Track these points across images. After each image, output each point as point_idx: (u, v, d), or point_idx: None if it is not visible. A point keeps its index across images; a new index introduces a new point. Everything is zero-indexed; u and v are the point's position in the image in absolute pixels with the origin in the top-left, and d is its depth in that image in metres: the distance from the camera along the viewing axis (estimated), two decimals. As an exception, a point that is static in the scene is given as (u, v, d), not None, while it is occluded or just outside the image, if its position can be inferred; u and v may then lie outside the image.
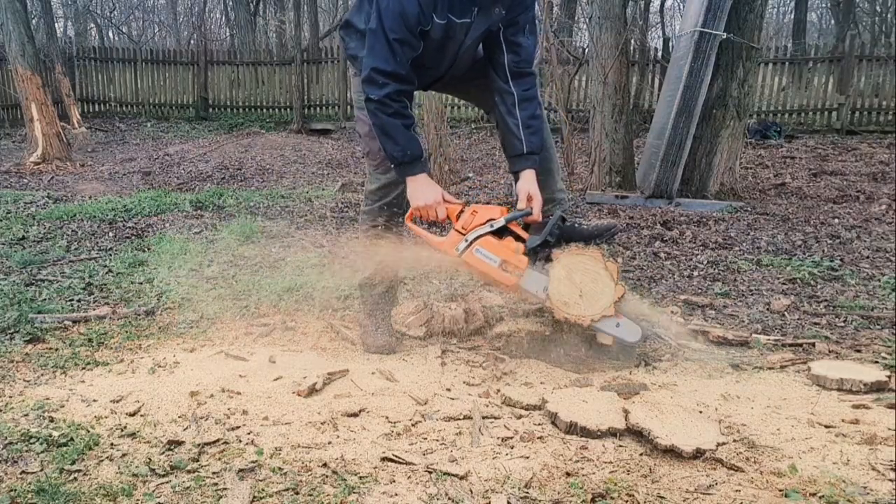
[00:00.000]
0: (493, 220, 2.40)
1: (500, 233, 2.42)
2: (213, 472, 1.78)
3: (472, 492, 1.70)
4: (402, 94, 2.31)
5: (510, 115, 2.45)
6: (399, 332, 2.81)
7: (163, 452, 1.88)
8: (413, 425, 2.06)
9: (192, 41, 17.69)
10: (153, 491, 1.70)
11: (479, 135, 10.12)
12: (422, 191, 2.40)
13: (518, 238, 2.43)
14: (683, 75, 5.41)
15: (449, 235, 2.45)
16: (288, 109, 12.75)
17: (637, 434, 1.95)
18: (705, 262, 4.00)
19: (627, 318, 2.44)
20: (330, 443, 1.95)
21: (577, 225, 2.59)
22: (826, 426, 2.04)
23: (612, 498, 1.67)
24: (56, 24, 17.61)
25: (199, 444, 1.92)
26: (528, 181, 2.46)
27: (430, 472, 1.78)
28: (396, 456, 1.85)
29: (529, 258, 2.42)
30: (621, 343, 2.45)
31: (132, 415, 2.10)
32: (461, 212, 2.45)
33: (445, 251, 2.46)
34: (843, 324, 3.01)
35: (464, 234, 2.41)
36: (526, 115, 2.44)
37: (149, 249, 4.24)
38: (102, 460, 1.84)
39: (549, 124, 2.73)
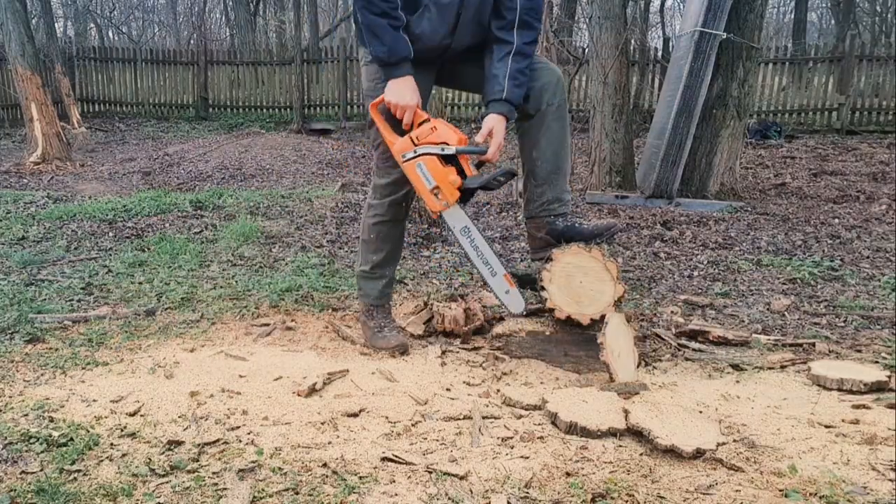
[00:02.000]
0: (447, 144, 2.39)
1: (448, 159, 2.42)
2: (213, 472, 1.78)
3: (472, 492, 1.70)
4: None
5: (501, 62, 2.40)
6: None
7: (163, 452, 1.88)
8: (413, 425, 2.06)
9: (192, 41, 17.69)
10: (153, 491, 1.70)
11: (479, 135, 10.11)
12: (402, 90, 2.38)
13: (461, 172, 2.43)
14: (683, 75, 5.41)
15: (403, 139, 2.44)
16: (288, 109, 12.76)
17: (637, 434, 1.95)
18: (705, 262, 4.00)
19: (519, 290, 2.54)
20: (330, 443, 1.95)
21: (577, 225, 2.59)
22: (826, 426, 2.04)
23: (612, 498, 1.67)
24: (56, 24, 17.62)
25: (199, 444, 1.92)
26: (494, 120, 2.42)
27: (430, 472, 1.78)
28: (396, 456, 1.85)
29: (462, 195, 2.43)
30: (506, 311, 2.58)
31: (132, 415, 2.10)
32: (424, 121, 2.43)
33: (394, 152, 2.47)
34: (843, 324, 3.01)
35: (415, 145, 2.41)
36: (517, 68, 2.39)
37: (149, 249, 4.24)
38: (102, 460, 1.84)
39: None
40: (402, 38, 2.35)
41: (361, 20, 2.35)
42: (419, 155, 2.41)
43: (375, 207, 2.67)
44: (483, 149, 2.41)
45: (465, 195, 2.46)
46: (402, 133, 2.46)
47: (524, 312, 2.54)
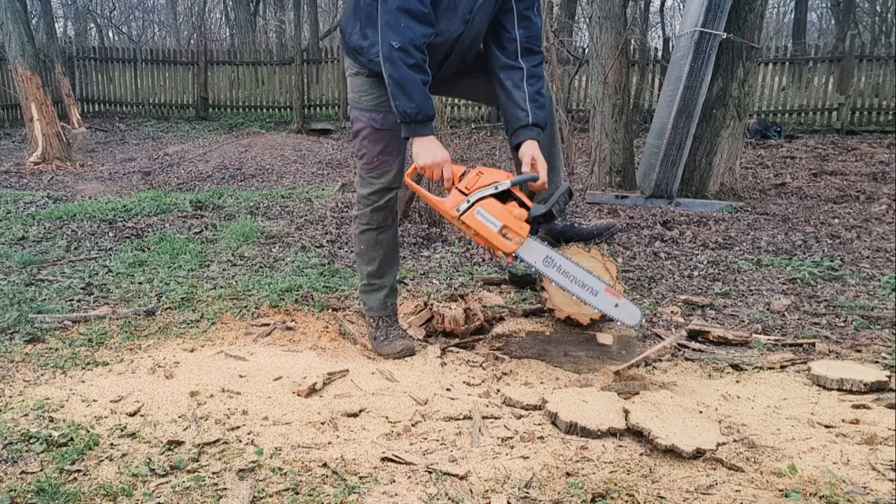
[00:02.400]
0: (499, 182, 2.31)
1: (504, 197, 2.32)
2: (213, 472, 1.78)
3: (472, 492, 1.70)
4: (424, 41, 2.24)
5: (517, 88, 2.41)
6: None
7: (163, 452, 1.88)
8: (413, 425, 2.06)
9: (192, 41, 17.69)
10: (153, 491, 1.70)
11: (479, 135, 10.12)
12: (430, 150, 2.32)
13: (522, 204, 2.33)
14: (683, 75, 5.41)
15: (451, 195, 2.35)
16: (288, 109, 12.77)
17: (637, 434, 1.95)
18: (705, 262, 4.00)
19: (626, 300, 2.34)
20: (330, 443, 1.95)
21: (576, 224, 2.59)
22: (826, 426, 2.04)
23: (612, 498, 1.67)
24: (56, 24, 17.61)
25: (199, 444, 1.92)
26: (531, 147, 2.39)
27: (430, 472, 1.78)
28: (396, 456, 1.85)
29: (531, 227, 2.33)
30: (622, 325, 2.34)
31: (132, 415, 2.10)
32: (465, 173, 2.37)
33: (445, 211, 2.38)
34: (843, 324, 3.01)
35: (466, 195, 2.32)
36: (533, 90, 2.41)
37: (149, 249, 4.24)
38: (102, 460, 1.84)
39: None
40: (429, 97, 2.28)
41: (391, 72, 2.24)
42: (475, 202, 2.31)
43: (359, 217, 2.66)
44: (535, 175, 2.35)
45: (534, 225, 2.35)
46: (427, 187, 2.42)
47: (642, 321, 2.31)
